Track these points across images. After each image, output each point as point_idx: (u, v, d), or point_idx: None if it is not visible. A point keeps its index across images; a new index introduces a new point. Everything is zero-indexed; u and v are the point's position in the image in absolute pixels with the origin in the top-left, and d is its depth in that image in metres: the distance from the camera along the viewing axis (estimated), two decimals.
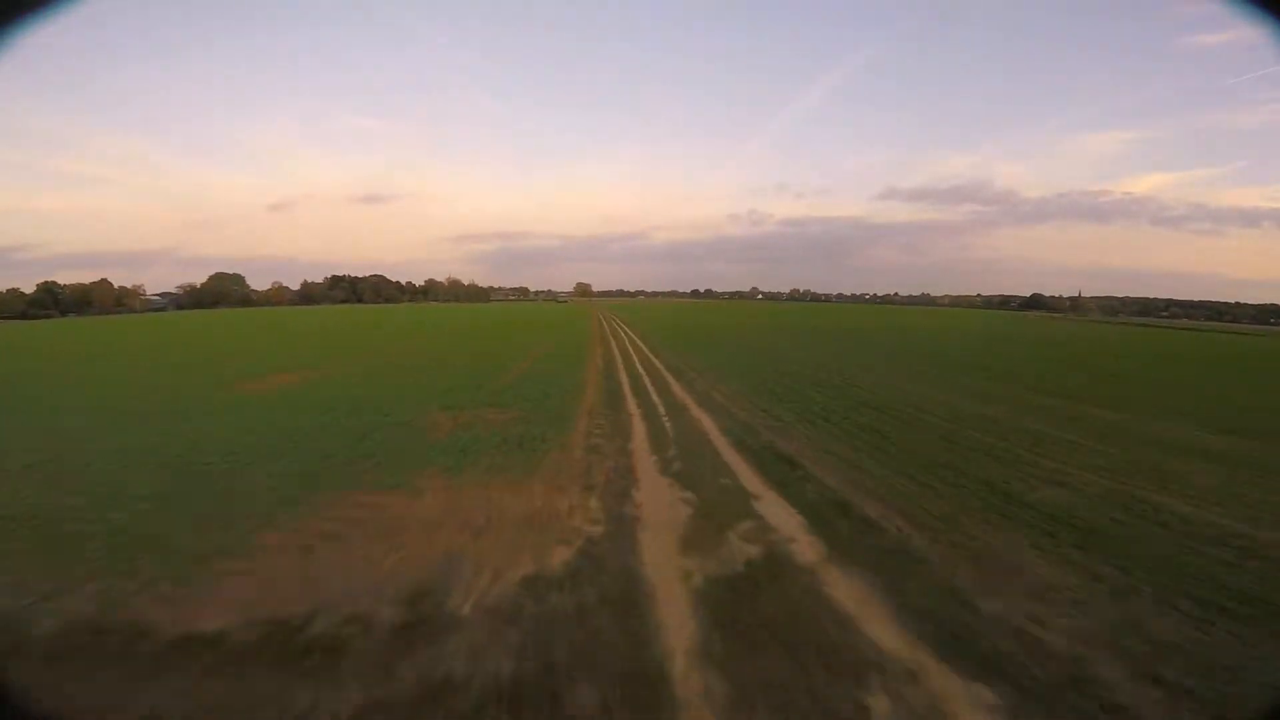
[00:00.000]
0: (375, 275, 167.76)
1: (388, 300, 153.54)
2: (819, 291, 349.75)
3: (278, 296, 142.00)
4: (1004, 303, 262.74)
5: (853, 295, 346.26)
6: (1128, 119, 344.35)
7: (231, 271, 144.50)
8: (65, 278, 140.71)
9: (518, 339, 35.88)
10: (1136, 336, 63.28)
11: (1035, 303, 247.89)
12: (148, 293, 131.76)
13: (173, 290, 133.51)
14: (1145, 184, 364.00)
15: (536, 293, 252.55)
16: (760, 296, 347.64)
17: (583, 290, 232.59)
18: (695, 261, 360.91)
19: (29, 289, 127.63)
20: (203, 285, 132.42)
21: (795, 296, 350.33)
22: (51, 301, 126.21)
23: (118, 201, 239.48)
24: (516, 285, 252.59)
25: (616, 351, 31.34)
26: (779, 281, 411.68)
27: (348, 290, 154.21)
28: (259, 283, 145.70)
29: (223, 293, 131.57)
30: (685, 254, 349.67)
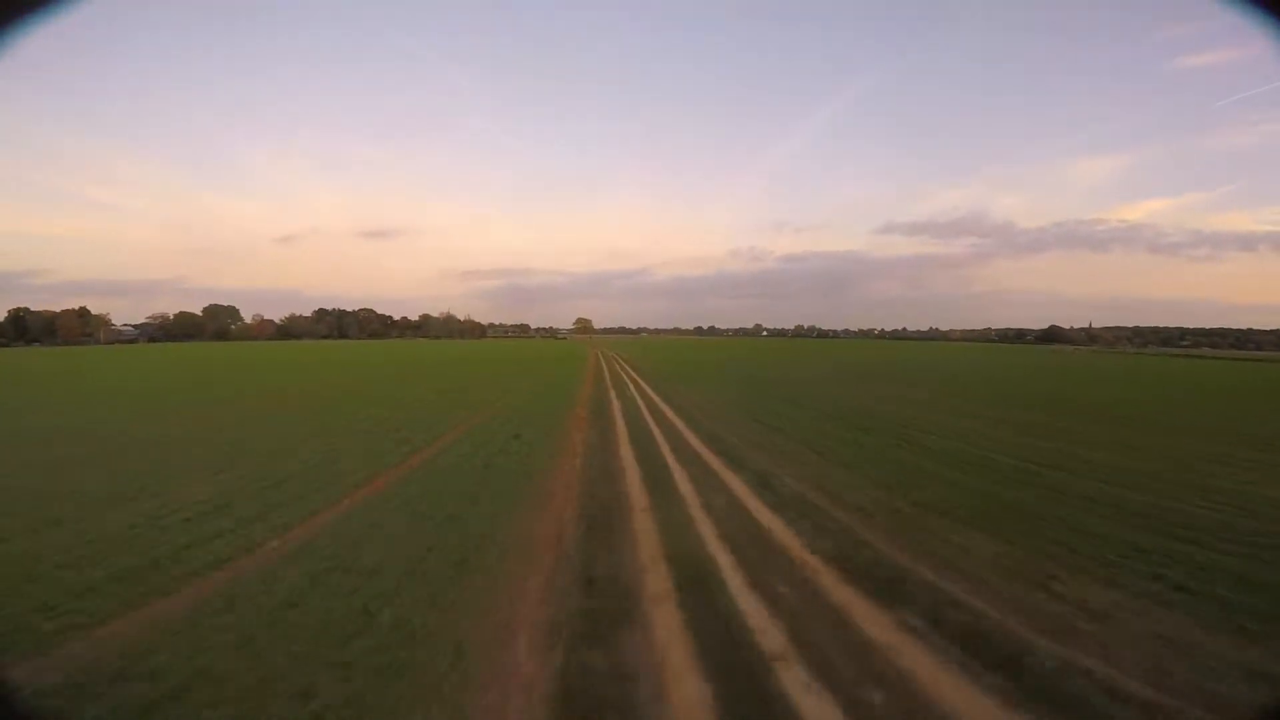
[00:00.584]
0: (364, 309, 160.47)
1: (373, 335, 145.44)
2: (824, 327, 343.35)
3: (258, 330, 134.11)
4: (1018, 336, 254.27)
5: (860, 331, 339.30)
6: (1120, 144, 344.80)
7: (228, 304, 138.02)
8: (71, 305, 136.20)
9: (469, 395, 26.94)
10: (1210, 369, 53.46)
11: (1052, 336, 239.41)
12: (117, 323, 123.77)
13: (145, 321, 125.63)
14: (1140, 210, 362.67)
15: (537, 329, 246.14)
16: (765, 333, 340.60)
17: (583, 326, 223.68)
18: (696, 298, 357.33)
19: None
20: (176, 317, 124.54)
21: (800, 332, 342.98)
22: (15, 331, 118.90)
23: (130, 229, 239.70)
24: (519, 322, 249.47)
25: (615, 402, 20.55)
26: (782, 317, 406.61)
27: (333, 324, 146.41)
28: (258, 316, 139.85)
29: (197, 325, 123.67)
30: (687, 290, 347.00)
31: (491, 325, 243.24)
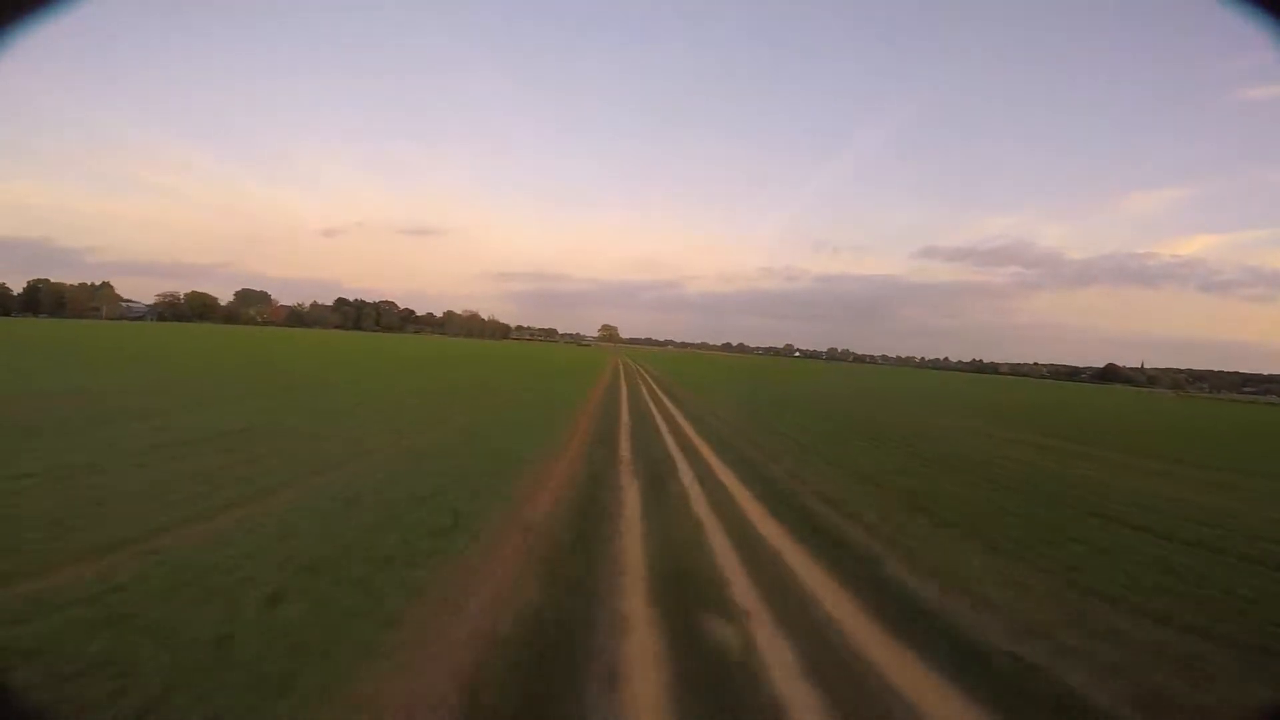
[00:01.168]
0: (386, 302, 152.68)
1: (388, 329, 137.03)
2: (858, 351, 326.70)
3: (272, 315, 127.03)
4: (1072, 374, 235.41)
5: (898, 358, 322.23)
6: (1175, 177, 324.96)
7: (262, 290, 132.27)
8: (125, 285, 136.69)
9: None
10: None
11: (1110, 375, 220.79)
12: (127, 300, 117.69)
13: (155, 300, 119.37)
14: (1192, 246, 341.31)
15: (564, 335, 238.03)
16: (798, 353, 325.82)
17: (608, 333, 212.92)
18: (726, 314, 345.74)
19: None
20: (186, 297, 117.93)
21: (835, 356, 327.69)
22: (27, 302, 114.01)
23: (184, 213, 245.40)
24: (547, 326, 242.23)
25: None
26: (814, 339, 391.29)
27: (350, 315, 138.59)
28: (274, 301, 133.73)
29: (208, 307, 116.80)
30: (717, 306, 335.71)
31: (520, 327, 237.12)
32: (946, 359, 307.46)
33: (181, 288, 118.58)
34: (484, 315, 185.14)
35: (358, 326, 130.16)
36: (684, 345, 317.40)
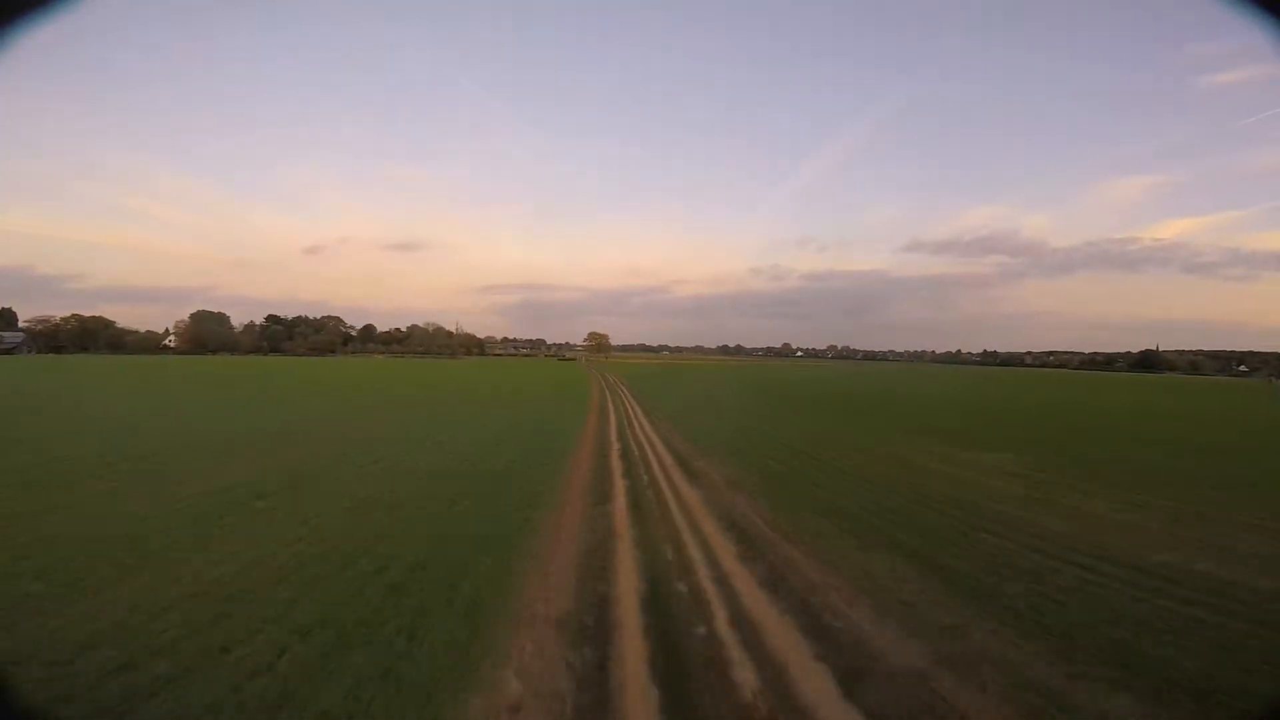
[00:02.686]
0: (330, 316, 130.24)
1: (320, 349, 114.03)
2: (858, 347, 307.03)
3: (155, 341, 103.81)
4: (1107, 361, 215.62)
5: (908, 353, 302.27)
6: (1149, 163, 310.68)
7: (233, 313, 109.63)
8: (109, 310, 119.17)
9: None
10: None
11: (1150, 362, 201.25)
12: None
13: (25, 325, 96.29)
14: (1173, 229, 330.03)
15: (552, 345, 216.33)
16: (800, 353, 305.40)
17: (596, 341, 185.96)
18: (717, 316, 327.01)
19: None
20: (64, 321, 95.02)
21: (837, 354, 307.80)
22: None
23: (164, 238, 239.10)
24: (536, 337, 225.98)
25: None
26: (811, 337, 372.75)
27: (277, 335, 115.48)
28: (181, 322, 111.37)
29: (88, 334, 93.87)
30: (707, 308, 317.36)
31: (505, 339, 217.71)
32: (959, 351, 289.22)
33: (166, 313, 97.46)
34: (460, 329, 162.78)
35: (276, 350, 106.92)
36: (678, 350, 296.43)
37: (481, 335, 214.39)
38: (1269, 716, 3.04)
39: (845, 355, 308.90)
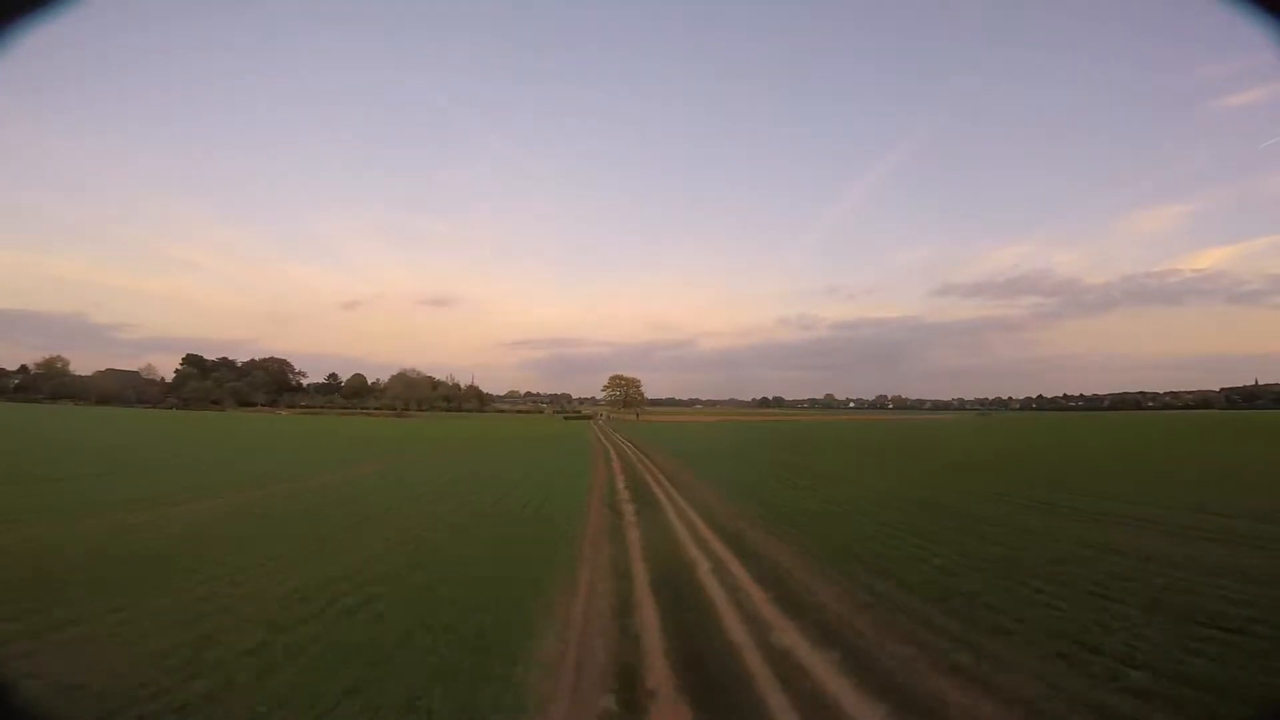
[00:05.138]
0: (273, 358, 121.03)
1: (247, 403, 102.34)
2: (907, 396, 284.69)
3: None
4: (1204, 403, 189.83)
5: (976, 401, 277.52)
6: (1174, 192, 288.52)
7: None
8: (157, 361, 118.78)
9: None
10: None
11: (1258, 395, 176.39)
12: None
13: None
14: (1209, 259, 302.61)
15: (578, 400, 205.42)
16: (851, 405, 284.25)
17: (624, 392, 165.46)
18: (745, 368, 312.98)
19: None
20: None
21: (883, 403, 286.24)
22: None
23: (209, 289, 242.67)
24: (562, 391, 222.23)
25: None
26: (852, 387, 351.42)
27: (202, 392, 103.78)
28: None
29: (30, 381, 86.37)
30: (734, 360, 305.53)
31: (528, 394, 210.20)
32: (1010, 399, 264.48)
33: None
34: (473, 383, 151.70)
35: (184, 405, 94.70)
36: (711, 404, 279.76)
37: (504, 390, 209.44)
38: (1269, 716, 3.24)
39: (884, 406, 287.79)
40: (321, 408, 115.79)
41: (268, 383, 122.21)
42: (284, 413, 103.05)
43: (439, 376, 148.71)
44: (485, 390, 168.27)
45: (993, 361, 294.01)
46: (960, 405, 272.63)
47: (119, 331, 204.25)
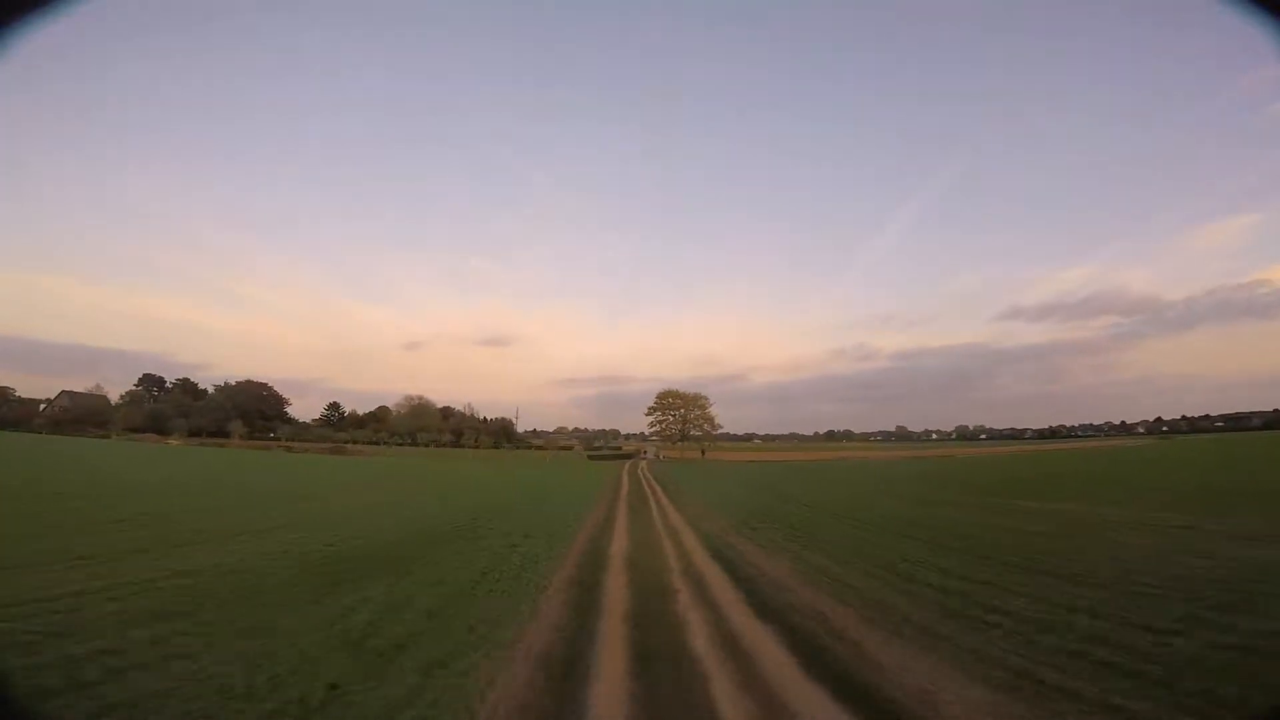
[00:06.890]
0: (253, 382, 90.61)
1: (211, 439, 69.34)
2: (994, 426, 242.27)
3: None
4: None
5: (1079, 427, 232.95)
6: (1245, 201, 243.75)
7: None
8: None
9: None
10: None
11: None
12: None
13: None
14: None
15: (626, 436, 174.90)
16: (934, 436, 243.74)
17: (682, 417, 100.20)
18: (799, 403, 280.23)
19: None
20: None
21: (965, 434, 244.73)
22: None
23: (278, 328, 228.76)
24: (610, 428, 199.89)
25: None
26: (923, 418, 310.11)
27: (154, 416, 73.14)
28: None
29: None
30: (788, 394, 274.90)
31: (575, 430, 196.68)
32: (1124, 422, 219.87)
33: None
34: (518, 417, 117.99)
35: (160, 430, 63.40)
36: (769, 439, 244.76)
37: (553, 426, 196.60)
38: (1269, 716, 3.12)
39: (971, 437, 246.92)
40: (317, 449, 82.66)
41: (238, 409, 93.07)
42: (173, 442, 68.91)
43: (475, 412, 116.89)
44: (538, 427, 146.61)
45: (1066, 387, 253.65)
46: (1072, 432, 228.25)
47: (198, 371, 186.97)
